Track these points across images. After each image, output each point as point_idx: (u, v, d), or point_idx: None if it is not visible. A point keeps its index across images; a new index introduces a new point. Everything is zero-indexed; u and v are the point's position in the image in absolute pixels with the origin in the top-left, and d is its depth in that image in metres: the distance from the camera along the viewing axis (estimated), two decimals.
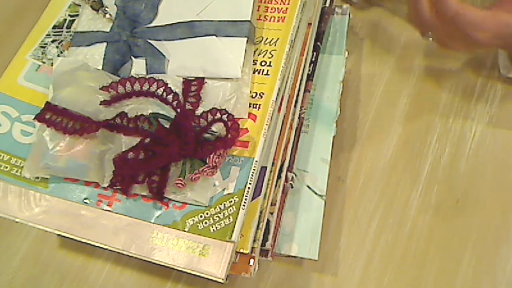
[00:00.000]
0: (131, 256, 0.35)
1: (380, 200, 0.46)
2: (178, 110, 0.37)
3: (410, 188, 0.46)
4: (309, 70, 0.45)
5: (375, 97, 0.51)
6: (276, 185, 0.39)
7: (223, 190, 0.36)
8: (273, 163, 0.39)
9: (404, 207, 0.46)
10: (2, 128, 0.40)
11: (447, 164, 0.47)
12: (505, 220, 0.44)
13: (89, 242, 0.36)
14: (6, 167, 0.39)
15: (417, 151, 0.48)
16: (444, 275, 0.43)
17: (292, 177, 0.41)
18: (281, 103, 0.39)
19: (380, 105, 0.50)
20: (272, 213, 0.38)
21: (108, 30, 0.42)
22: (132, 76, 0.39)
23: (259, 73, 0.39)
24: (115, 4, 0.44)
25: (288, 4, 0.42)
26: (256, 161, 0.36)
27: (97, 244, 0.36)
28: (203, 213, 0.35)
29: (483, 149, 0.47)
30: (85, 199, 0.37)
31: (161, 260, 0.35)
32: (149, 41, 0.41)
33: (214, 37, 0.40)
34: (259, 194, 0.36)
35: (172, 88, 0.38)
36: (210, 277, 0.34)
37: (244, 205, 0.35)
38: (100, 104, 0.37)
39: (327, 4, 0.48)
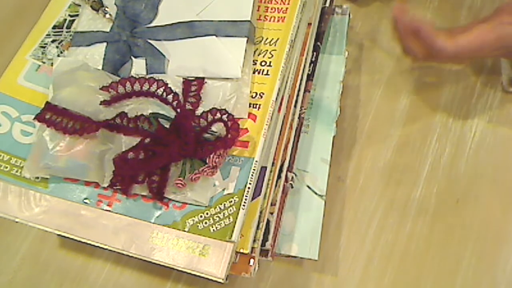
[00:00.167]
0: (131, 256, 0.35)
1: (380, 200, 0.46)
2: (178, 110, 0.37)
3: (410, 188, 0.46)
4: (309, 70, 0.45)
5: (375, 97, 0.51)
6: (276, 185, 0.39)
7: (223, 190, 0.36)
8: (273, 163, 0.39)
9: (404, 207, 0.46)
10: (2, 128, 0.40)
11: (447, 164, 0.47)
12: (505, 220, 0.44)
13: (89, 242, 0.36)
14: (6, 167, 0.39)
15: (417, 151, 0.48)
16: (444, 275, 0.43)
17: (292, 177, 0.41)
18: (281, 103, 0.39)
19: (380, 105, 0.50)
20: (272, 213, 0.38)
21: (108, 30, 0.42)
22: (132, 76, 0.39)
23: (259, 73, 0.39)
24: (115, 4, 0.44)
25: (288, 4, 0.42)
26: (256, 161, 0.36)
27: (97, 244, 0.36)
28: (203, 213, 0.35)
29: (483, 149, 0.47)
30: (85, 199, 0.37)
31: (161, 260, 0.35)
32: (149, 41, 0.41)
33: (214, 37, 0.40)
34: (259, 194, 0.36)
35: (172, 88, 0.38)
36: (210, 277, 0.34)
37: (244, 205, 0.35)
38: (100, 104, 0.37)
39: (327, 4, 0.48)
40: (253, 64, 0.40)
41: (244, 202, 0.35)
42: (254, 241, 0.36)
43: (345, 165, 0.48)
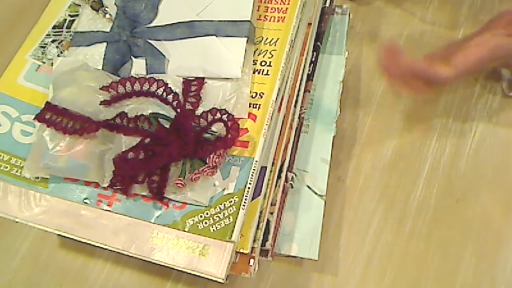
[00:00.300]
0: (131, 256, 0.35)
1: (380, 200, 0.46)
2: (178, 110, 0.37)
3: (410, 188, 0.46)
4: (309, 70, 0.45)
5: (375, 97, 0.51)
6: (276, 185, 0.39)
7: (223, 190, 0.36)
8: (273, 163, 0.39)
9: (404, 207, 0.46)
10: (2, 128, 0.40)
11: (447, 164, 0.47)
12: (505, 220, 0.44)
13: (89, 242, 0.36)
14: (6, 167, 0.38)
15: (417, 151, 0.48)
16: (444, 275, 0.43)
17: (292, 177, 0.41)
18: (281, 103, 0.39)
19: (380, 105, 0.50)
20: (272, 213, 0.38)
21: (108, 30, 0.42)
22: (132, 76, 0.39)
23: (259, 73, 0.39)
24: (115, 4, 0.44)
25: (288, 4, 0.42)
26: (256, 161, 0.36)
27: (97, 244, 0.36)
28: (203, 213, 0.35)
29: (483, 149, 0.47)
30: (85, 199, 0.37)
31: (161, 260, 0.35)
32: (149, 41, 0.41)
33: (214, 37, 0.40)
34: (259, 194, 0.36)
35: (172, 88, 0.38)
36: (210, 277, 0.34)
37: (244, 205, 0.35)
38: (100, 104, 0.37)
39: (327, 4, 0.48)
40: (253, 64, 0.40)
41: (244, 202, 0.35)
42: (254, 241, 0.36)
43: (345, 165, 0.48)
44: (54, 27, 0.44)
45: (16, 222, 0.37)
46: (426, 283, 0.43)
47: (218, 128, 0.37)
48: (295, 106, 0.42)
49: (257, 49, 0.40)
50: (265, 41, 0.40)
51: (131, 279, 0.45)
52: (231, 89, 0.38)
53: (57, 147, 0.37)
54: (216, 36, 0.40)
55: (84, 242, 0.36)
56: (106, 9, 0.43)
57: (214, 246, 0.34)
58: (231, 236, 0.34)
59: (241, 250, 0.35)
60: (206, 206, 0.35)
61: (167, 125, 0.37)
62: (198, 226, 0.35)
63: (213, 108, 0.37)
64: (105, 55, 0.41)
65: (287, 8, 0.41)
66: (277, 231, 0.39)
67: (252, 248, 0.35)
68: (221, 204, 0.35)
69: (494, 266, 0.43)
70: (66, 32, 0.44)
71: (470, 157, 0.47)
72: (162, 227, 0.35)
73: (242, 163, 0.36)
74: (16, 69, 0.42)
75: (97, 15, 0.43)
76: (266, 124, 0.37)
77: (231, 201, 0.35)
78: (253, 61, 0.40)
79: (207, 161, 0.35)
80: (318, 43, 0.46)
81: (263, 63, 0.40)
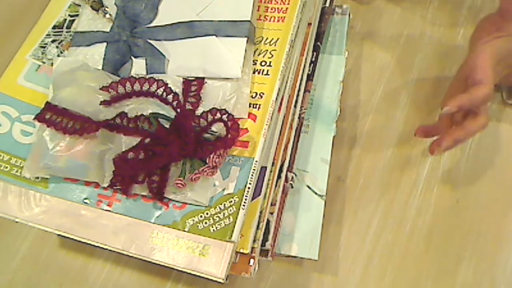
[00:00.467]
0: (131, 256, 0.35)
1: (380, 200, 0.46)
2: (178, 110, 0.37)
3: (410, 188, 0.46)
4: (309, 70, 0.45)
5: (375, 97, 0.51)
6: (276, 185, 0.39)
7: (223, 190, 0.36)
8: (273, 163, 0.39)
9: (404, 207, 0.46)
10: (2, 128, 0.40)
11: (447, 164, 0.47)
12: (505, 220, 0.44)
13: (89, 242, 0.36)
14: (6, 167, 0.38)
15: (417, 151, 0.48)
16: (444, 275, 0.43)
17: (292, 177, 0.41)
18: (281, 103, 0.39)
19: (380, 105, 0.50)
20: (272, 213, 0.38)
21: (108, 30, 0.42)
22: (132, 76, 0.39)
23: (259, 73, 0.39)
24: (115, 4, 0.44)
25: (288, 4, 0.42)
26: (256, 161, 0.36)
27: (97, 244, 0.36)
28: (203, 213, 0.35)
29: (483, 149, 0.47)
30: (85, 199, 0.37)
31: (161, 260, 0.35)
32: (149, 41, 0.41)
33: (214, 37, 0.40)
34: (259, 194, 0.36)
35: (172, 88, 0.38)
36: (210, 277, 0.34)
37: (244, 205, 0.35)
38: (100, 104, 0.37)
39: (327, 4, 0.48)
40: (253, 64, 0.40)
41: (244, 202, 0.35)
42: (254, 241, 0.36)
43: (345, 165, 0.48)
44: (54, 27, 0.44)
45: (16, 222, 0.37)
46: (426, 283, 0.43)
47: (218, 128, 0.37)
48: (295, 106, 0.42)
49: (257, 49, 0.40)
50: (265, 41, 0.40)
51: (131, 279, 0.45)
52: (231, 89, 0.38)
53: (57, 147, 0.37)
54: (216, 36, 0.40)
55: (84, 242, 0.36)
56: (106, 9, 0.43)
57: (214, 246, 0.34)
58: (231, 236, 0.34)
59: (241, 250, 0.35)
60: (206, 206, 0.35)
61: (167, 125, 0.37)
62: (198, 226, 0.35)
63: (213, 108, 0.37)
64: (105, 55, 0.41)
65: (287, 8, 0.41)
66: (277, 231, 0.39)
67: (252, 248, 0.35)
68: (221, 204, 0.35)
69: (494, 266, 0.43)
70: (66, 32, 0.44)
71: (470, 157, 0.47)
72: (162, 227, 0.35)
73: (242, 163, 0.36)
74: (16, 69, 0.42)
75: (97, 15, 0.43)
76: (266, 124, 0.37)
77: (231, 201, 0.35)
78: (253, 61, 0.40)
79: (207, 161, 0.35)
80: (318, 43, 0.46)
81: (263, 63, 0.40)
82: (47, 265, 0.46)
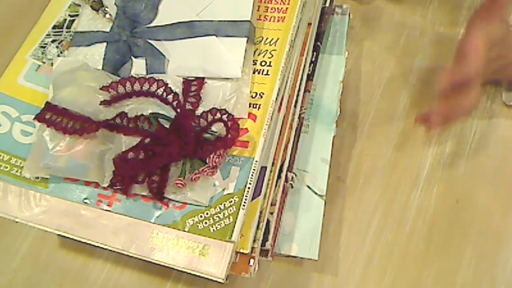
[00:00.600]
0: (131, 256, 0.35)
1: (380, 200, 0.46)
2: (178, 110, 0.37)
3: (410, 188, 0.46)
4: (309, 70, 0.45)
5: (375, 97, 0.51)
6: (276, 185, 0.39)
7: (223, 190, 0.36)
8: (273, 163, 0.39)
9: (404, 207, 0.46)
10: (2, 128, 0.40)
11: (447, 164, 0.47)
12: (505, 220, 0.44)
13: (89, 242, 0.36)
14: (6, 167, 0.38)
15: (417, 151, 0.48)
16: (444, 275, 0.43)
17: (292, 177, 0.41)
18: (281, 103, 0.39)
19: (380, 105, 0.50)
20: (272, 213, 0.38)
21: (108, 30, 0.42)
22: (132, 76, 0.39)
23: (259, 73, 0.39)
24: (115, 4, 0.44)
25: (288, 4, 0.42)
26: (256, 161, 0.36)
27: (97, 244, 0.36)
28: (203, 213, 0.35)
29: (483, 149, 0.47)
30: (85, 199, 0.37)
31: (161, 260, 0.35)
32: (149, 41, 0.41)
33: (214, 37, 0.40)
34: (259, 194, 0.36)
35: (172, 88, 0.38)
36: (210, 277, 0.34)
37: (244, 205, 0.35)
38: (100, 104, 0.37)
39: (327, 4, 0.48)
40: (253, 64, 0.40)
41: (244, 202, 0.35)
42: (254, 241, 0.36)
43: (345, 165, 0.48)
44: (54, 27, 0.44)
45: (16, 222, 0.37)
46: (426, 283, 0.43)
47: (218, 128, 0.37)
48: (295, 106, 0.42)
49: (257, 49, 0.40)
50: (265, 41, 0.40)
51: (131, 279, 0.45)
52: (231, 89, 0.38)
53: (57, 147, 0.37)
54: (216, 36, 0.40)
55: (84, 242, 0.36)
56: (106, 9, 0.43)
57: (214, 246, 0.34)
58: (231, 236, 0.34)
59: (241, 250, 0.35)
60: (206, 206, 0.35)
61: (167, 125, 0.37)
62: (198, 226, 0.35)
63: (213, 108, 0.37)
64: (105, 55, 0.41)
65: (287, 8, 0.41)
66: (277, 231, 0.39)
67: (252, 248, 0.35)
68: (221, 204, 0.35)
69: (494, 266, 0.43)
70: (66, 32, 0.44)
71: (470, 157, 0.47)
72: (162, 227, 0.35)
73: (242, 163, 0.36)
74: (16, 69, 0.42)
75: (97, 15, 0.43)
76: (266, 124, 0.37)
77: (231, 201, 0.35)
78: (253, 61, 0.40)
79: (207, 161, 0.35)
80: (318, 43, 0.46)
81: (263, 63, 0.40)
82: (47, 265, 0.46)
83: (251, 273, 0.35)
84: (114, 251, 0.36)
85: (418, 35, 0.53)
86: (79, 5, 0.45)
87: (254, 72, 0.39)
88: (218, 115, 0.37)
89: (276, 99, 0.38)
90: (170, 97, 0.38)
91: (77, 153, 0.37)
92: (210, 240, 0.34)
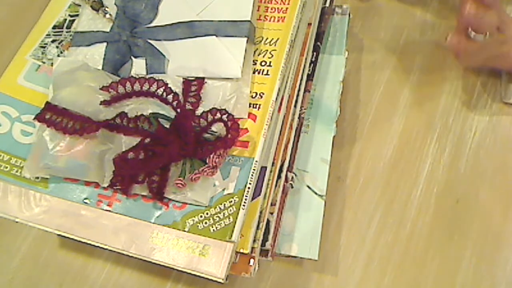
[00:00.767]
0: (131, 256, 0.35)
1: (380, 200, 0.46)
2: (178, 110, 0.37)
3: (410, 188, 0.46)
4: (309, 70, 0.45)
5: (375, 97, 0.51)
6: (276, 185, 0.39)
7: (223, 190, 0.36)
8: (273, 163, 0.39)
9: (404, 207, 0.46)
10: (2, 128, 0.40)
11: (447, 164, 0.47)
12: (505, 220, 0.44)
13: (89, 242, 0.36)
14: (6, 167, 0.39)
15: (417, 151, 0.48)
16: (444, 275, 0.43)
17: (292, 177, 0.41)
18: (281, 103, 0.39)
19: (380, 105, 0.50)
20: (272, 213, 0.38)
21: (108, 30, 0.42)
22: (132, 76, 0.39)
23: (259, 73, 0.39)
24: (115, 4, 0.44)
25: (288, 4, 0.42)
26: (256, 161, 0.36)
27: (97, 244, 0.36)
28: (203, 213, 0.35)
29: (483, 149, 0.47)
30: (85, 199, 0.37)
31: (161, 260, 0.35)
32: (149, 41, 0.41)
33: (214, 37, 0.40)
34: (259, 194, 0.36)
35: (172, 88, 0.38)
36: (210, 277, 0.34)
37: (244, 205, 0.35)
38: (100, 104, 0.37)
39: (327, 4, 0.48)
40: (253, 64, 0.40)
41: (244, 202, 0.35)
42: (254, 241, 0.36)
43: (345, 165, 0.48)
44: (54, 27, 0.44)
45: (16, 222, 0.37)
46: (426, 283, 0.43)
47: (218, 128, 0.37)
48: (295, 106, 0.42)
49: (257, 49, 0.40)
50: (265, 41, 0.40)
51: (131, 279, 0.45)
52: (231, 89, 0.38)
53: (57, 147, 0.37)
54: (216, 36, 0.40)
55: (84, 242, 0.36)
56: (106, 9, 0.43)
57: (214, 246, 0.34)
58: (231, 236, 0.34)
59: (241, 250, 0.35)
60: (206, 206, 0.35)
61: (167, 125, 0.37)
62: (198, 226, 0.35)
63: (213, 108, 0.37)
64: (105, 55, 0.41)
65: (287, 8, 0.41)
66: (277, 231, 0.39)
67: (252, 248, 0.35)
68: (221, 204, 0.35)
69: (494, 266, 0.43)
70: (66, 32, 0.44)
71: (470, 157, 0.47)
72: (162, 227, 0.35)
73: (242, 163, 0.36)
74: (16, 69, 0.42)
75: (97, 15, 0.43)
76: (266, 124, 0.37)
77: (231, 201, 0.35)
78: (253, 61, 0.40)
79: (207, 161, 0.35)
80: (318, 43, 0.46)
81: (263, 63, 0.40)
82: (47, 265, 0.46)
83: (251, 273, 0.35)
84: (114, 251, 0.36)
85: (418, 35, 0.53)
86: (79, 5, 0.45)
87: (254, 72, 0.39)
88: (218, 115, 0.37)
89: (276, 99, 0.38)
90: (170, 97, 0.38)
91: (77, 153, 0.37)
92: (210, 240, 0.34)
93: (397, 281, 0.43)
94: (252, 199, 0.36)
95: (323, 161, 0.44)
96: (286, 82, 0.40)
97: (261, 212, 0.37)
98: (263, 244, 0.37)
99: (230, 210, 0.35)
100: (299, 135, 0.43)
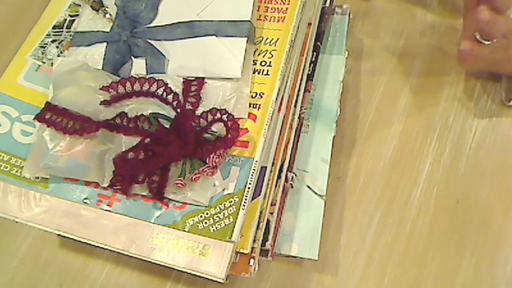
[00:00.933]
0: (131, 256, 0.35)
1: (380, 200, 0.46)
2: (178, 110, 0.37)
3: (410, 188, 0.46)
4: (309, 70, 0.45)
5: (375, 97, 0.51)
6: (276, 185, 0.39)
7: (223, 190, 0.36)
8: (273, 163, 0.39)
9: (404, 207, 0.46)
10: (2, 128, 0.40)
11: (447, 164, 0.47)
12: (505, 220, 0.44)
13: (89, 242, 0.36)
14: (6, 167, 0.38)
15: (417, 151, 0.48)
16: (444, 275, 0.43)
17: (292, 177, 0.41)
18: (281, 103, 0.39)
19: (380, 105, 0.50)
20: (272, 213, 0.38)
21: (108, 30, 0.42)
22: (132, 76, 0.39)
23: (259, 73, 0.39)
24: (115, 4, 0.44)
25: (288, 4, 0.42)
26: (256, 161, 0.36)
27: (97, 244, 0.36)
28: (203, 213, 0.35)
29: (483, 149, 0.47)
30: (85, 199, 0.37)
31: (161, 260, 0.35)
32: (149, 41, 0.41)
33: (214, 37, 0.40)
34: (259, 194, 0.36)
35: (172, 88, 0.38)
36: (210, 277, 0.34)
37: (244, 205, 0.35)
38: (100, 104, 0.37)
39: (327, 4, 0.48)
40: (253, 64, 0.40)
41: (244, 202, 0.35)
42: (254, 241, 0.36)
43: (345, 165, 0.48)
44: (54, 27, 0.44)
45: (16, 222, 0.37)
46: (426, 283, 0.43)
47: (218, 128, 0.37)
48: (295, 106, 0.42)
49: (257, 49, 0.40)
50: (265, 41, 0.40)
51: (131, 279, 0.45)
52: (231, 89, 0.38)
53: (57, 147, 0.37)
54: (216, 36, 0.40)
55: (84, 242, 0.36)
56: (106, 9, 0.43)
57: (214, 246, 0.34)
58: (231, 236, 0.34)
59: (241, 250, 0.35)
60: (206, 206, 0.35)
61: (167, 125, 0.37)
62: (198, 226, 0.35)
63: (213, 108, 0.37)
64: (105, 55, 0.41)
65: (287, 8, 0.41)
66: (277, 231, 0.39)
67: (252, 248, 0.35)
68: (221, 204, 0.35)
69: (494, 266, 0.43)
70: (66, 32, 0.44)
71: (470, 157, 0.47)
72: (162, 227, 0.35)
73: (242, 163, 0.36)
74: (16, 69, 0.42)
75: (97, 15, 0.43)
76: (266, 124, 0.37)
77: (231, 201, 0.35)
78: (253, 61, 0.40)
79: (207, 161, 0.35)
80: (318, 43, 0.46)
81: (263, 63, 0.40)
82: (47, 265, 0.46)
83: (251, 273, 0.35)
84: (114, 251, 0.36)
85: (418, 35, 0.53)
86: (79, 5, 0.45)
87: (254, 72, 0.39)
88: (218, 115, 0.37)
89: (276, 99, 0.38)
90: (170, 97, 0.38)
91: (77, 153, 0.37)
92: (210, 240, 0.34)
93: (397, 281, 0.43)
94: (252, 199, 0.36)
95: (323, 161, 0.44)
96: (286, 82, 0.40)
97: (261, 212, 0.37)
98: (263, 244, 0.37)
99: (230, 210, 0.35)
100: (299, 135, 0.43)
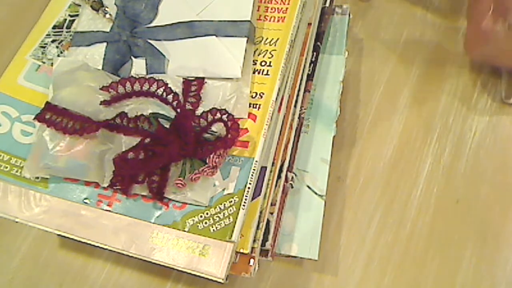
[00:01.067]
0: (131, 256, 0.35)
1: (380, 200, 0.46)
2: (178, 110, 0.37)
3: (410, 188, 0.46)
4: (309, 70, 0.45)
5: (375, 97, 0.51)
6: (276, 185, 0.39)
7: (223, 190, 0.36)
8: (273, 163, 0.39)
9: (404, 207, 0.46)
10: (2, 128, 0.40)
11: (447, 164, 0.47)
12: (505, 220, 0.44)
13: (89, 242, 0.36)
14: (6, 167, 0.39)
15: (417, 151, 0.48)
16: (444, 275, 0.43)
17: (292, 177, 0.41)
18: (281, 103, 0.39)
19: (380, 105, 0.50)
20: (272, 213, 0.38)
21: (108, 30, 0.42)
22: (132, 76, 0.39)
23: (259, 73, 0.39)
24: (115, 4, 0.44)
25: (288, 4, 0.42)
26: (256, 161, 0.36)
27: (97, 244, 0.36)
28: (203, 213, 0.35)
29: (483, 149, 0.47)
30: (85, 199, 0.37)
31: (161, 260, 0.35)
32: (149, 41, 0.41)
33: (214, 37, 0.40)
34: (259, 194, 0.36)
35: (172, 88, 0.38)
36: (210, 277, 0.34)
37: (244, 205, 0.35)
38: (100, 104, 0.37)
39: (327, 4, 0.48)
40: (253, 64, 0.40)
41: (244, 202, 0.35)
42: (254, 241, 0.36)
43: (345, 165, 0.48)
44: (54, 27, 0.44)
45: (16, 222, 0.37)
46: (426, 283, 0.43)
47: (218, 128, 0.37)
48: (295, 106, 0.42)
49: (257, 49, 0.40)
50: (265, 41, 0.40)
51: (131, 279, 0.45)
52: (231, 89, 0.38)
53: (57, 147, 0.37)
54: (216, 36, 0.40)
55: (84, 242, 0.36)
56: (106, 9, 0.43)
57: (214, 246, 0.34)
58: (231, 236, 0.34)
59: (241, 250, 0.35)
60: (206, 206, 0.35)
61: (167, 125, 0.37)
62: (198, 226, 0.35)
63: (213, 108, 0.37)
64: (105, 55, 0.41)
65: (287, 8, 0.41)
66: (277, 231, 0.39)
67: (252, 248, 0.35)
68: (221, 204, 0.35)
69: (494, 266, 0.43)
70: (66, 32, 0.44)
71: (470, 157, 0.47)
72: (162, 227, 0.35)
73: (242, 163, 0.36)
74: (16, 69, 0.42)
75: (97, 15, 0.43)
76: (266, 124, 0.37)
77: (231, 201, 0.35)
78: (253, 61, 0.40)
79: (207, 161, 0.35)
80: (318, 43, 0.46)
81: (263, 63, 0.40)
82: (47, 265, 0.46)
83: (251, 273, 0.35)
84: (114, 251, 0.36)
85: (418, 35, 0.53)
86: (79, 5, 0.45)
87: (254, 72, 0.39)
88: (218, 115, 0.37)
89: (276, 99, 0.38)
90: (170, 97, 0.38)
91: (77, 153, 0.37)
92: (210, 240, 0.34)
93: (397, 281, 0.43)
94: (252, 199, 0.36)
95: (323, 161, 0.44)
96: (286, 82, 0.40)
97: (261, 212, 0.37)
98: (263, 244, 0.37)
99: (230, 210, 0.35)
100: (299, 135, 0.43)
